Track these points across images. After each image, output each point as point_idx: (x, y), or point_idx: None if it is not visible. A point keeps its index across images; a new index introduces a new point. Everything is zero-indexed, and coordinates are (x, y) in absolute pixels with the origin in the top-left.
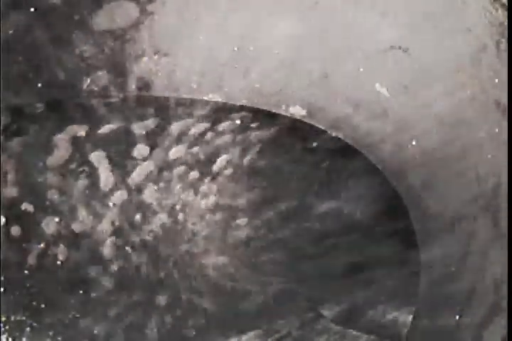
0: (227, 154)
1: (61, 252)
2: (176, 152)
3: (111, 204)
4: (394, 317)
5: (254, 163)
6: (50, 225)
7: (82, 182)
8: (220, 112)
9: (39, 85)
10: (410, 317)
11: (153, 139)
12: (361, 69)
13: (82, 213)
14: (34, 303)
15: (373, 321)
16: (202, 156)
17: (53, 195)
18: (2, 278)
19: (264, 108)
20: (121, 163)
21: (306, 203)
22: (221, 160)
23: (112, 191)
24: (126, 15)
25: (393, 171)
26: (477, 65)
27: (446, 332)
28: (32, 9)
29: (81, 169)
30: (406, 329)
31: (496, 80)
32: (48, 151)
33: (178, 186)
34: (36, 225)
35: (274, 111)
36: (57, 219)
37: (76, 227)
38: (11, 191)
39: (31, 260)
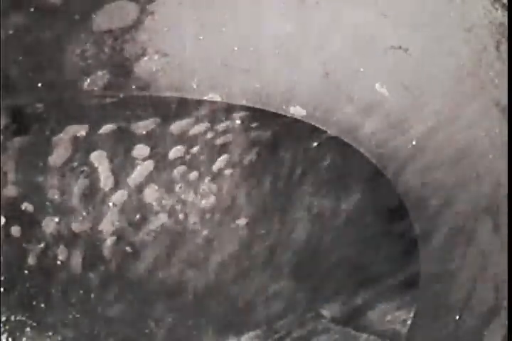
0: (227, 154)
1: (61, 252)
2: (175, 152)
3: (111, 204)
4: (394, 317)
5: (254, 163)
6: (50, 225)
7: (82, 182)
8: (220, 112)
9: (39, 85)
10: (410, 317)
11: (153, 139)
12: (361, 69)
13: (82, 213)
14: (34, 303)
15: (373, 321)
16: (202, 156)
17: (53, 195)
18: (2, 278)
19: (264, 108)
20: (121, 163)
21: (306, 203)
22: (221, 160)
23: (111, 191)
24: (127, 15)
25: (393, 171)
26: (477, 65)
27: (446, 332)
28: (32, 9)
29: (81, 169)
30: (406, 329)
31: (496, 80)
32: (48, 151)
33: (178, 186)
34: (36, 225)
35: (274, 111)
36: (57, 219)
37: (76, 227)
38: (11, 191)
39: (31, 260)
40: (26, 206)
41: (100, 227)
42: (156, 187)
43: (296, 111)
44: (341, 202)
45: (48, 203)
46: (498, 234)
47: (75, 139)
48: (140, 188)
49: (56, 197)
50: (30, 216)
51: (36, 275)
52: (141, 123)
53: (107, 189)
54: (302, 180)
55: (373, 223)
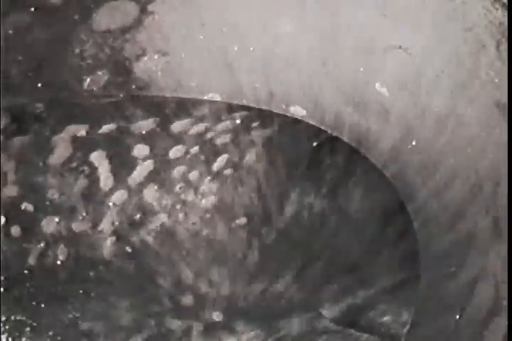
0: (227, 154)
1: (61, 252)
2: (175, 152)
3: (111, 204)
4: (394, 317)
5: (254, 162)
6: (50, 225)
7: (82, 182)
8: (220, 112)
9: (39, 85)
10: (410, 317)
11: (153, 139)
12: (361, 69)
13: (82, 213)
14: (34, 303)
15: (373, 321)
16: (202, 156)
17: (53, 195)
18: (2, 278)
19: (264, 108)
20: (121, 163)
21: (306, 202)
22: (221, 160)
23: (111, 191)
24: (126, 14)
25: (393, 171)
26: (477, 65)
27: (446, 332)
28: (32, 9)
29: (81, 169)
30: (406, 329)
31: (496, 80)
32: (48, 151)
33: (178, 186)
34: (36, 225)
35: (274, 110)
36: (57, 219)
37: (76, 227)
38: (11, 191)
39: (31, 260)
40: (26, 206)
41: (100, 227)
42: (156, 187)
43: (296, 110)
44: (341, 201)
45: (47, 203)
46: (498, 234)
47: (75, 139)
48: (140, 188)
49: (56, 196)
50: (30, 216)
51: (36, 276)
52: (141, 123)
53: (106, 189)
54: (302, 179)
55: (373, 223)
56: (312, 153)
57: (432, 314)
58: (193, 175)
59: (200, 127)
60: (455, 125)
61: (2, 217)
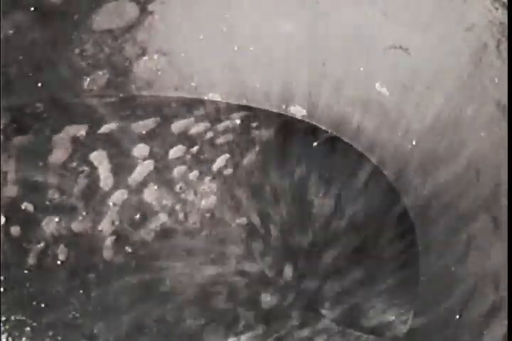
0: (228, 154)
1: (61, 252)
2: (176, 152)
3: (111, 204)
4: (394, 316)
5: (254, 162)
6: (50, 225)
7: (82, 182)
8: (220, 112)
9: (39, 85)
10: (410, 317)
11: (153, 139)
12: (361, 69)
13: (82, 213)
14: (34, 303)
15: (373, 321)
16: (202, 156)
17: (53, 195)
18: (2, 278)
19: (265, 108)
20: (121, 163)
21: (306, 202)
22: (221, 160)
23: (111, 191)
24: (126, 14)
25: (393, 171)
26: (477, 65)
27: (447, 332)
28: (32, 9)
29: (81, 169)
30: (406, 329)
31: (496, 80)
32: (48, 151)
33: (178, 186)
34: (36, 225)
35: (274, 110)
36: (57, 219)
37: (76, 227)
38: (11, 191)
39: (31, 260)
40: (26, 205)
41: (100, 227)
42: (156, 187)
43: (296, 110)
44: (341, 201)
45: (47, 203)
46: (498, 234)
47: (75, 139)
48: (140, 188)
49: (56, 196)
50: (30, 215)
51: (36, 275)
52: (141, 123)
53: (106, 188)
54: (302, 179)
55: (373, 222)
56: (312, 152)
57: (432, 314)
58: (193, 175)
59: (200, 127)
60: (455, 125)
61: (2, 217)
